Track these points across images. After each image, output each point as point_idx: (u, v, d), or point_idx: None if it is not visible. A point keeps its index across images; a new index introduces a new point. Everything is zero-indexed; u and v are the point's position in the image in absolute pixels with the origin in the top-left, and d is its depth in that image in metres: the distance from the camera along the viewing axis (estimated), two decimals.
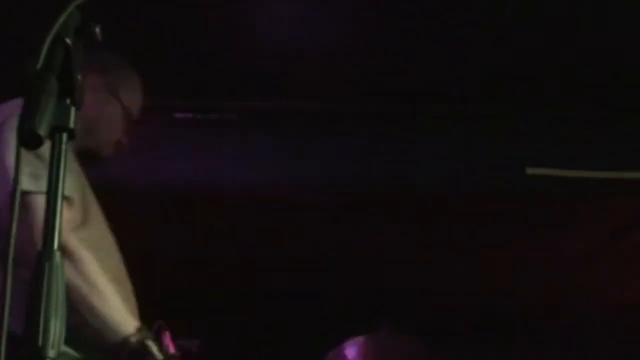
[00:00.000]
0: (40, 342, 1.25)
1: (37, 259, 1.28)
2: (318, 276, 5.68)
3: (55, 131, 1.29)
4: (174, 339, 2.17)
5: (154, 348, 1.92)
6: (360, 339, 4.89)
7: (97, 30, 1.36)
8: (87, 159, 2.32)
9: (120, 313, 1.93)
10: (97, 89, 2.43)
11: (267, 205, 4.84)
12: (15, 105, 2.10)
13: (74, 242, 1.91)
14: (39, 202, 1.77)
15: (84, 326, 1.90)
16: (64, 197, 1.91)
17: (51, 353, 1.26)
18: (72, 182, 2.02)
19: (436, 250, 5.45)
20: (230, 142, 4.50)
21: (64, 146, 1.33)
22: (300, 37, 4.00)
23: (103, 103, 2.46)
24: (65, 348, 1.83)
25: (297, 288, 5.79)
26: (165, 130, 4.32)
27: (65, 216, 1.93)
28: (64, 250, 1.86)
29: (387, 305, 5.98)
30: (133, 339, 1.90)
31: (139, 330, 1.94)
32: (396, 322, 6.03)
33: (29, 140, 1.22)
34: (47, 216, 1.31)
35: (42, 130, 1.22)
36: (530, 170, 4.39)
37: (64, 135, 1.32)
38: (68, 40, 1.32)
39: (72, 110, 1.33)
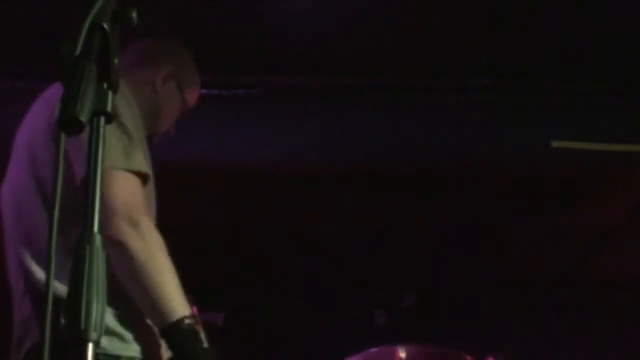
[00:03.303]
0: (82, 325, 1.26)
1: (78, 242, 1.29)
2: (335, 248, 5.69)
3: (94, 115, 1.30)
4: (200, 312, 2.19)
5: (201, 334, 1.95)
6: None
7: (134, 14, 1.37)
8: None
9: (179, 295, 1.97)
10: (168, 78, 2.51)
11: (287, 179, 4.86)
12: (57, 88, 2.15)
13: (146, 220, 1.96)
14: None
15: (143, 302, 1.95)
16: (142, 174, 2.00)
17: (93, 335, 1.27)
18: (143, 152, 2.06)
19: (457, 224, 5.46)
20: (251, 117, 4.50)
21: (102, 130, 1.34)
22: (318, 13, 3.99)
23: (170, 94, 2.52)
24: (117, 327, 1.88)
25: (317, 262, 5.81)
26: None
27: (140, 193, 1.99)
28: (137, 226, 1.92)
29: (407, 278, 6.01)
30: (187, 322, 1.93)
31: (192, 315, 1.97)
32: (418, 294, 6.07)
33: (70, 126, 1.23)
34: (86, 200, 1.32)
35: (84, 117, 1.23)
36: (555, 143, 4.37)
37: (102, 119, 1.33)
38: (105, 25, 1.32)
39: (110, 94, 1.34)
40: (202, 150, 4.35)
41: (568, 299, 6.06)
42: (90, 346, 1.27)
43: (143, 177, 2.03)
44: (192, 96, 2.66)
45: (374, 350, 3.88)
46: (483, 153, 4.47)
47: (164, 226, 2.10)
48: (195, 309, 2.10)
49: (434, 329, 5.29)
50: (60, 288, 1.36)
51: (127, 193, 1.92)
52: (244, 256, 5.75)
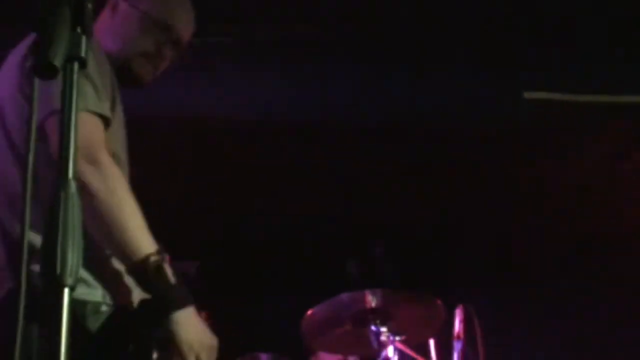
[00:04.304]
0: (58, 271, 1.27)
1: (53, 189, 1.29)
2: (316, 202, 5.70)
3: (68, 61, 1.29)
4: (173, 261, 2.18)
5: (168, 271, 1.93)
6: None
7: None
8: (127, 81, 2.31)
9: (143, 232, 1.93)
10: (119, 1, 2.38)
11: (263, 132, 4.85)
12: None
13: (106, 158, 1.92)
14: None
15: (107, 241, 1.92)
16: (104, 118, 1.96)
17: (69, 281, 1.28)
18: (107, 95, 2.03)
19: (433, 179, 5.48)
20: (227, 69, 4.48)
21: (75, 76, 1.33)
22: None
23: (124, 13, 2.37)
24: (82, 273, 1.85)
25: (296, 212, 5.82)
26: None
27: (101, 133, 1.96)
28: (97, 164, 1.89)
29: (380, 229, 6.04)
30: (153, 259, 1.91)
31: (159, 251, 1.94)
32: (389, 245, 6.10)
33: (44, 71, 1.23)
34: (60, 145, 1.32)
35: (57, 61, 1.22)
36: (528, 95, 4.39)
37: (75, 65, 1.32)
38: None
39: (84, 39, 1.33)
40: (173, 101, 4.33)
41: (545, 256, 6.11)
42: (67, 291, 1.27)
43: (104, 120, 2.01)
44: (160, 10, 2.43)
45: (344, 295, 3.93)
46: (453, 106, 4.48)
47: (135, 175, 2.09)
48: (167, 258, 2.09)
49: (407, 279, 5.33)
50: (35, 238, 1.36)
51: (86, 132, 1.86)
52: (217, 207, 5.75)
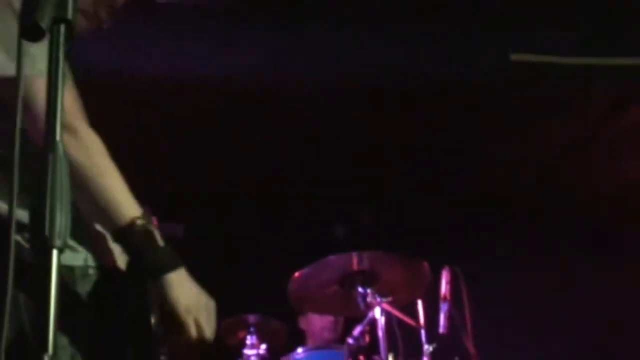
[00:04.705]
0: (47, 232, 1.27)
1: (41, 151, 1.29)
2: (297, 165, 5.70)
3: (54, 23, 1.28)
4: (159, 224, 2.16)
5: (155, 233, 1.90)
6: None
7: None
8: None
9: (126, 196, 1.90)
10: None
11: (248, 93, 4.84)
12: None
13: (83, 125, 1.88)
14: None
15: (90, 209, 1.89)
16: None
17: (58, 242, 1.28)
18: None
19: (419, 142, 5.48)
20: (211, 30, 4.45)
21: (62, 38, 1.32)
22: None
23: None
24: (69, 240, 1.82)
25: (284, 175, 5.82)
26: (147, 17, 4.26)
27: (76, 98, 1.92)
28: (74, 133, 1.86)
29: (370, 192, 6.05)
30: (139, 222, 1.89)
31: (145, 215, 1.91)
32: (375, 209, 6.11)
33: (30, 33, 1.22)
34: (48, 108, 1.31)
35: (44, 23, 1.22)
36: (514, 57, 4.39)
37: (62, 27, 1.32)
38: None
39: (70, 0, 1.32)
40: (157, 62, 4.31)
41: (528, 214, 6.13)
42: (55, 253, 1.27)
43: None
44: None
45: (331, 258, 3.95)
46: (441, 68, 4.48)
47: (117, 140, 2.07)
48: (154, 220, 2.07)
49: (395, 242, 5.34)
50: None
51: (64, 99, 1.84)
52: (206, 169, 5.74)
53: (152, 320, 1.85)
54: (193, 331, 1.91)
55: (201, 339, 1.93)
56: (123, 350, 1.81)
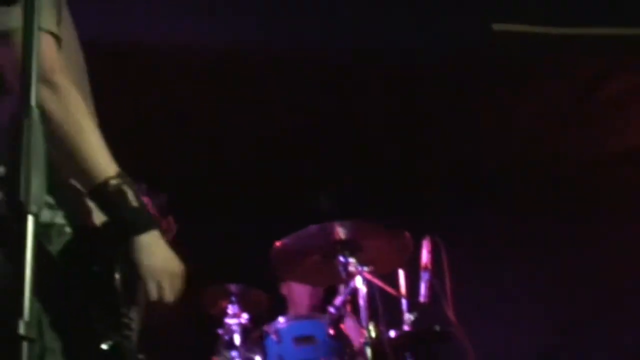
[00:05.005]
0: (22, 197, 1.26)
1: (15, 116, 1.28)
2: (282, 132, 5.69)
3: None
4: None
5: (129, 194, 1.88)
6: None
7: None
8: None
9: (103, 155, 1.88)
10: None
11: (228, 62, 4.83)
12: None
13: (64, 80, 1.86)
14: None
15: (66, 165, 1.87)
16: (55, 36, 1.88)
17: (33, 208, 1.28)
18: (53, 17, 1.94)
19: (400, 111, 5.48)
20: None
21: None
22: None
23: None
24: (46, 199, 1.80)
25: (266, 143, 5.81)
26: None
27: (58, 55, 1.89)
28: (55, 88, 1.84)
29: (354, 164, 6.06)
30: (113, 182, 1.88)
31: (119, 174, 1.90)
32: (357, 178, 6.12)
33: None
34: (22, 72, 1.30)
35: None
36: (497, 27, 4.38)
37: None
38: None
39: None
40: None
41: (511, 185, 6.15)
42: (30, 218, 1.27)
43: (58, 40, 1.89)
44: None
45: (313, 227, 3.95)
46: (421, 38, 4.46)
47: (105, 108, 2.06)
48: (146, 199, 2.05)
49: (377, 212, 5.35)
50: None
51: (45, 55, 1.80)
52: (189, 136, 5.72)
53: (116, 278, 1.85)
54: (153, 293, 1.90)
55: (161, 302, 1.92)
56: (86, 307, 1.80)
